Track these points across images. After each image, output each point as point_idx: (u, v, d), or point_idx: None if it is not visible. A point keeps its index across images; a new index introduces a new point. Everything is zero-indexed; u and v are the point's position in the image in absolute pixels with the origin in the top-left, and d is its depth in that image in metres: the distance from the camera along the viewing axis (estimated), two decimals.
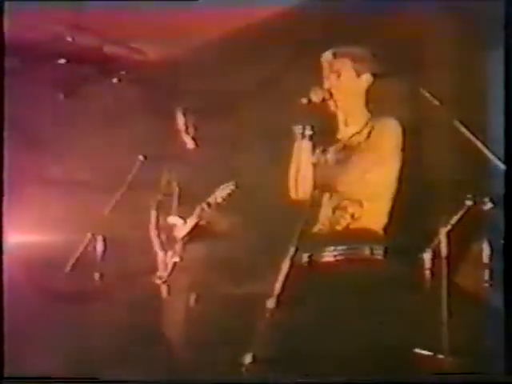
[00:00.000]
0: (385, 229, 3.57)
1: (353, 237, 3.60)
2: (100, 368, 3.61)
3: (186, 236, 4.03)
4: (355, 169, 3.65)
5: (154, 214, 4.15)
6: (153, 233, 4.11)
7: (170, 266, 4.00)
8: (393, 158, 3.59)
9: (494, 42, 3.42)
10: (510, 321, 3.33)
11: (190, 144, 4.20)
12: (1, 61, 3.73)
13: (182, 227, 4.05)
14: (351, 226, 3.62)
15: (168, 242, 4.06)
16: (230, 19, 3.81)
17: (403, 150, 3.58)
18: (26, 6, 3.71)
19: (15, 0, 3.73)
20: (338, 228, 3.64)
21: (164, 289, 3.97)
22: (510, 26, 3.30)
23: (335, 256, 3.58)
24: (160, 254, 4.06)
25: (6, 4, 3.69)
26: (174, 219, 4.08)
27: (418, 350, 3.36)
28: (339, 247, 3.58)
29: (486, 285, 3.41)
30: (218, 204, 3.98)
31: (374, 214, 3.59)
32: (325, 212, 3.71)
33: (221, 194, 3.97)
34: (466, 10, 3.45)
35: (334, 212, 3.67)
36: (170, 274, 3.99)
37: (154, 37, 3.96)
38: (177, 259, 4.02)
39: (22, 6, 3.69)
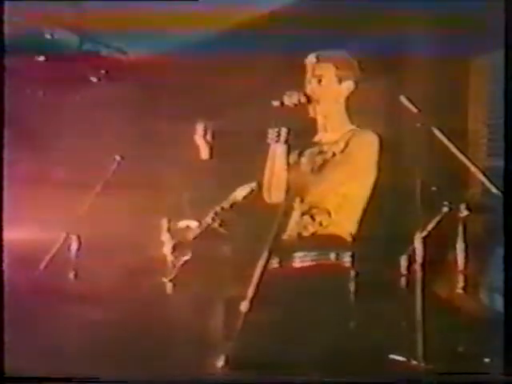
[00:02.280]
0: (353, 236, 3.55)
1: (321, 243, 3.57)
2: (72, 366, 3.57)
3: (197, 237, 4.06)
4: (328, 180, 3.63)
5: (165, 220, 4.17)
6: (165, 237, 4.13)
7: (178, 266, 4.02)
8: (367, 174, 3.58)
9: (494, 43, 3.44)
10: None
11: (205, 154, 4.18)
12: (1, 61, 3.70)
13: (195, 229, 4.07)
14: (319, 233, 3.60)
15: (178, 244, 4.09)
16: (217, 19, 3.83)
17: (379, 165, 3.56)
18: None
19: (15, 0, 3.72)
20: (306, 234, 3.62)
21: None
22: (510, 26, 3.30)
23: (303, 261, 3.56)
24: (168, 255, 4.07)
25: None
26: (186, 222, 4.11)
27: (393, 356, 3.37)
28: (307, 253, 3.55)
29: (461, 291, 3.43)
30: (235, 203, 3.99)
31: (343, 223, 3.58)
32: (295, 217, 3.69)
33: (240, 193, 3.97)
34: (466, 11, 3.46)
35: (302, 217, 3.65)
36: (177, 273, 4.00)
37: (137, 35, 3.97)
38: (188, 257, 4.03)
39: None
